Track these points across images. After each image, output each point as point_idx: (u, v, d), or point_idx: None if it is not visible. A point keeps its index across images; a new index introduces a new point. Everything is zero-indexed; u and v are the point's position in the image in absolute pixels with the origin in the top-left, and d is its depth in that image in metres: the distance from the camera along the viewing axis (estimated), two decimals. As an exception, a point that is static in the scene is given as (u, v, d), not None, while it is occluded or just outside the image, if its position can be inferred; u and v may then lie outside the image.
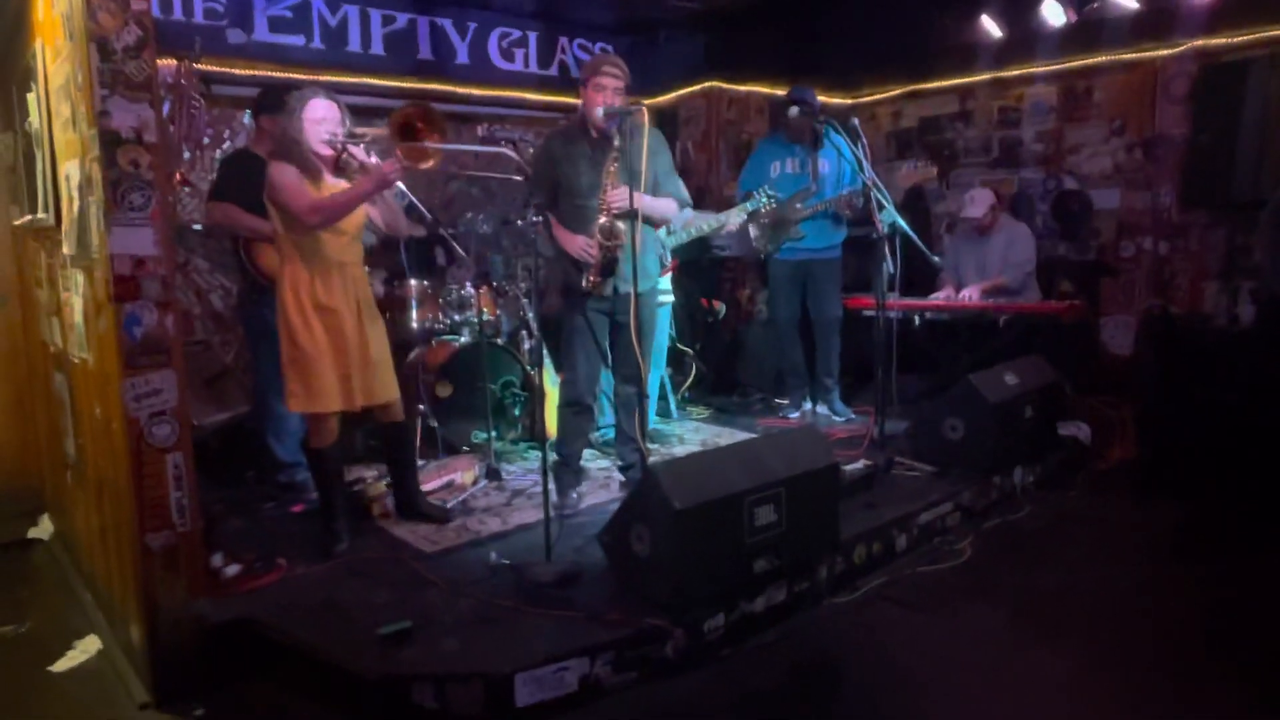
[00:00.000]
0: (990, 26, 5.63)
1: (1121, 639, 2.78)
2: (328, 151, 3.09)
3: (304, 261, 3.06)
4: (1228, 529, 3.69)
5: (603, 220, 3.43)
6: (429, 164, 3.13)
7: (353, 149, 3.08)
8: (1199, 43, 5.21)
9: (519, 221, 4.84)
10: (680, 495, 2.59)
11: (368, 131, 3.22)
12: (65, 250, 3.03)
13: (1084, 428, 4.60)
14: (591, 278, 3.47)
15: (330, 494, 3.32)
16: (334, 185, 3.12)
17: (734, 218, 4.39)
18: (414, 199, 3.95)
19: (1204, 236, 5.37)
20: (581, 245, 3.45)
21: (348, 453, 3.39)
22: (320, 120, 3.06)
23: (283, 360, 3.10)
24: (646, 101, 4.14)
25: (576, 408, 3.68)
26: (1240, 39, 5.06)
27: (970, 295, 4.98)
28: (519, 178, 3.57)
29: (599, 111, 3.39)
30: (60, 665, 2.91)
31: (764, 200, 4.32)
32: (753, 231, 4.87)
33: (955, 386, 4.01)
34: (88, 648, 3.01)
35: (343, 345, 3.09)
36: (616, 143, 3.41)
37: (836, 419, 4.95)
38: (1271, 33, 4.96)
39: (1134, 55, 5.54)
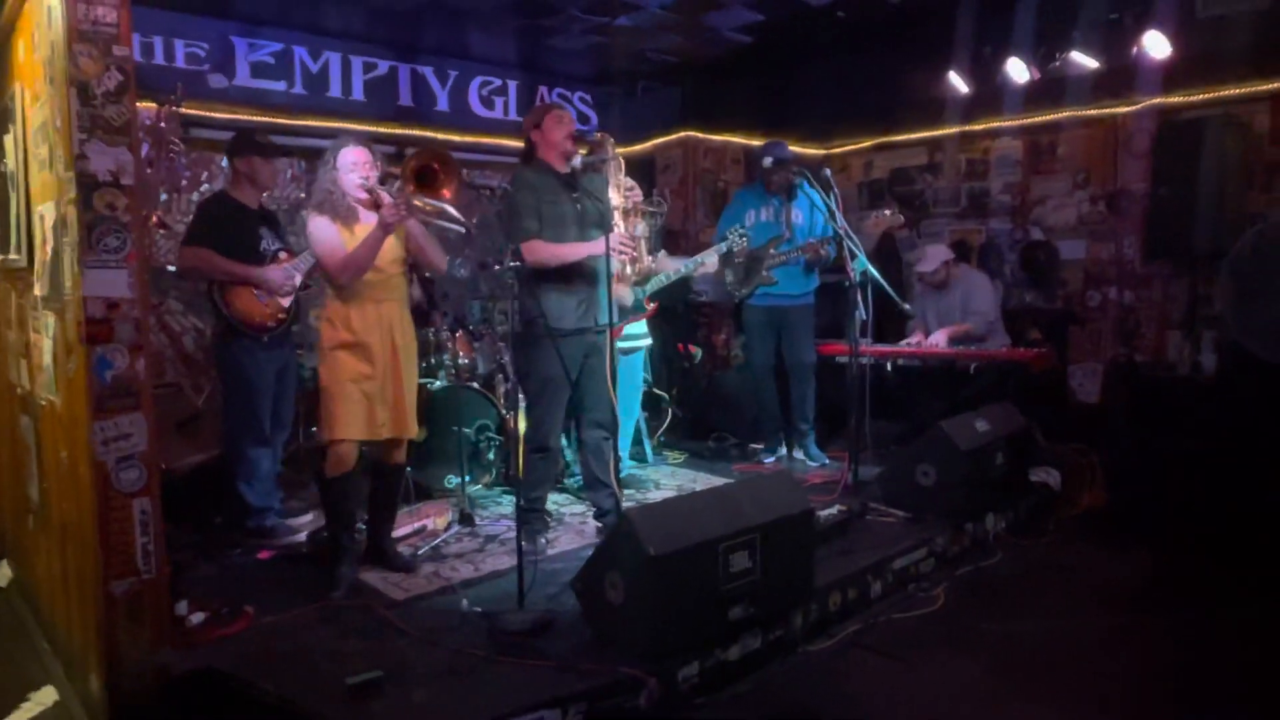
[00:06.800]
0: (957, 82, 5.81)
1: (1094, 690, 2.78)
2: (363, 195, 3.22)
3: (339, 298, 3.22)
4: (1195, 577, 3.72)
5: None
6: (428, 207, 3.27)
7: (382, 192, 3.19)
8: (1157, 101, 5.41)
9: (496, 266, 4.87)
10: (655, 541, 2.58)
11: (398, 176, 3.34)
12: (37, 291, 3.01)
13: (1054, 474, 4.65)
14: (639, 266, 3.65)
15: (337, 530, 3.30)
16: (369, 226, 3.20)
17: (710, 258, 4.47)
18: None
19: (1167, 287, 5.52)
20: (618, 238, 3.54)
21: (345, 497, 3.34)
22: (353, 166, 3.20)
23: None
24: (622, 150, 4.23)
25: (544, 453, 3.67)
26: (1196, 98, 5.26)
27: (938, 341, 5.06)
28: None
29: (577, 160, 3.48)
30: (15, 718, 2.82)
31: (736, 239, 4.40)
32: (727, 276, 4.93)
33: (927, 433, 4.05)
34: (43, 699, 2.92)
35: (372, 378, 3.18)
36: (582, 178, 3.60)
37: (811, 464, 4.98)
38: (1224, 92, 5.17)
39: (1096, 111, 5.74)
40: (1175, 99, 5.34)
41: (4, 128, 3.36)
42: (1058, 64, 5.35)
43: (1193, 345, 5.24)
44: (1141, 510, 4.26)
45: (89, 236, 2.47)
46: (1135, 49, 5.08)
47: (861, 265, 4.13)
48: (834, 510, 3.83)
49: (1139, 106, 5.52)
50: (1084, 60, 5.28)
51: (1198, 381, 5.05)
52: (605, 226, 3.52)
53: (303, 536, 3.77)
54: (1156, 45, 4.98)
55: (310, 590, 3.17)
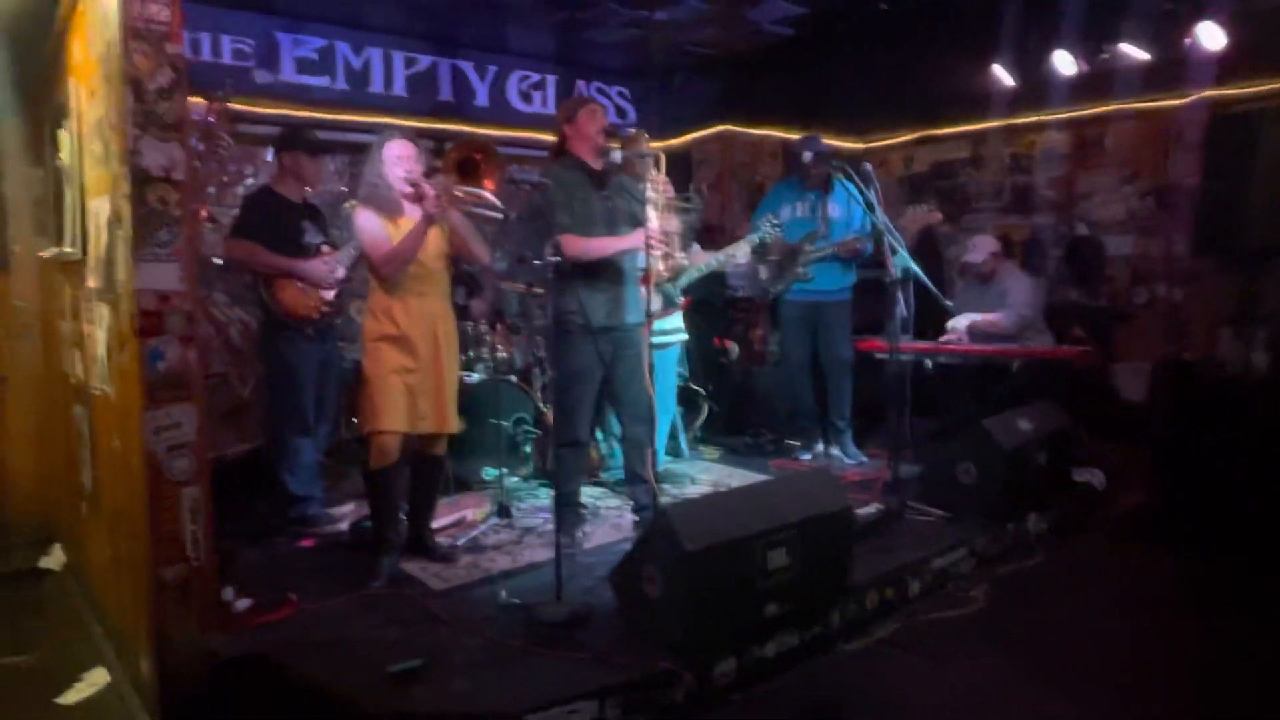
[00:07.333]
0: (1001, 74, 5.71)
1: (1133, 693, 2.74)
2: (408, 189, 3.25)
3: (383, 290, 3.25)
4: (1240, 579, 3.63)
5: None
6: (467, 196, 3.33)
7: (425, 184, 3.22)
8: (1210, 93, 5.26)
9: (536, 261, 4.88)
10: (691, 537, 2.58)
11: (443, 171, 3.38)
12: (91, 284, 3.09)
13: (1098, 474, 4.57)
14: (668, 262, 3.76)
15: (380, 521, 3.34)
16: (413, 219, 3.24)
17: (741, 250, 4.45)
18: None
19: (1217, 283, 5.37)
20: (648, 231, 3.54)
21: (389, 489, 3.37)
22: (398, 160, 3.23)
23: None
24: (659, 144, 4.23)
25: (574, 446, 3.68)
26: (1251, 90, 5.11)
27: (958, 326, 4.89)
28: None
29: (617, 156, 3.48)
30: (67, 698, 2.90)
31: (768, 230, 4.36)
32: (762, 272, 4.90)
33: (968, 431, 3.99)
34: (96, 680, 3.00)
35: (414, 371, 3.22)
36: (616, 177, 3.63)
37: (848, 461, 4.94)
38: (1280, 85, 5.02)
39: (1145, 104, 5.60)
40: (1229, 91, 5.19)
41: (59, 124, 3.44)
42: (1106, 56, 5.23)
43: (1244, 343, 5.10)
44: (1187, 511, 4.16)
45: (142, 230, 2.53)
46: (1188, 40, 4.94)
47: (903, 261, 4.07)
48: (872, 508, 3.80)
49: (1191, 99, 5.38)
50: (1134, 52, 5.15)
51: (1248, 380, 4.91)
52: (636, 225, 3.51)
53: (344, 526, 3.83)
54: (1210, 36, 4.85)
55: (352, 579, 3.22)
